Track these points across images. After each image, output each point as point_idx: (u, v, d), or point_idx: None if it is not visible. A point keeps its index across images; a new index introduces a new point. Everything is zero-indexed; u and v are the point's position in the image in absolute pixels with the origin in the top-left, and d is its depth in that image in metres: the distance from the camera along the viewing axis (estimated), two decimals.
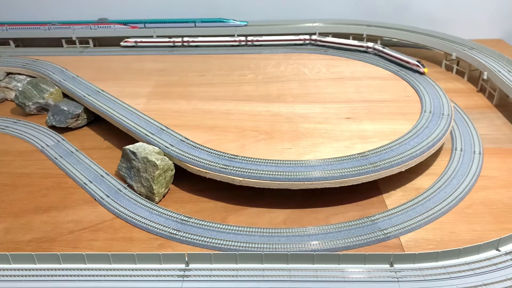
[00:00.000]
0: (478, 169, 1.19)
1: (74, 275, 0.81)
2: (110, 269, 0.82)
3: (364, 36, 1.93)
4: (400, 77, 1.53)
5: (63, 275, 0.82)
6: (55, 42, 2.02)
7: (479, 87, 1.64)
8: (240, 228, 1.03)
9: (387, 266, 0.82)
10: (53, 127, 1.46)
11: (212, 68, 1.65)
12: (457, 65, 1.75)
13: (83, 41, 2.02)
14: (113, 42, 1.99)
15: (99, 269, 0.82)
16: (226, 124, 1.29)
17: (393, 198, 1.13)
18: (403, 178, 1.18)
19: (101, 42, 2.05)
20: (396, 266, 0.82)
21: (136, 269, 0.82)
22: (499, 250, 0.87)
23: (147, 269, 0.82)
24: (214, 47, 1.86)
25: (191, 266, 0.83)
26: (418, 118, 1.28)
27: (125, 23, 2.01)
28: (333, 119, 1.29)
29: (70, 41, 2.02)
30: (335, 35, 1.96)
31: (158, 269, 0.82)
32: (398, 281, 0.79)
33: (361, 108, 1.34)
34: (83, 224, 1.07)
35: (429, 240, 0.99)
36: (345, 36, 1.96)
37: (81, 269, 0.83)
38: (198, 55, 1.80)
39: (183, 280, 0.80)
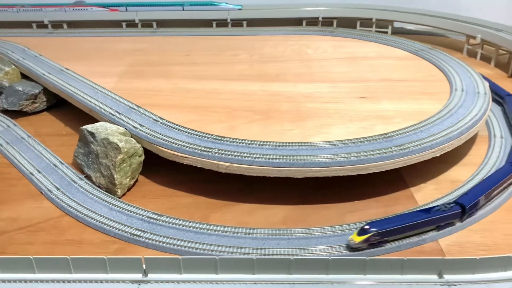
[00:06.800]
0: None
1: None
2: (32, 281, 0.56)
3: (374, 20, 1.71)
4: (420, 56, 1.29)
5: None
6: (25, 26, 1.78)
7: (511, 72, 1.41)
8: (225, 229, 0.78)
9: (435, 277, 0.57)
10: (5, 111, 1.22)
11: (198, 49, 1.42)
12: (482, 49, 1.53)
13: (57, 25, 1.78)
14: (90, 26, 1.76)
15: (15, 281, 0.56)
16: (212, 104, 1.04)
17: (424, 192, 0.89)
18: (434, 169, 0.94)
19: (76, 27, 1.82)
20: (447, 277, 0.57)
21: (70, 281, 0.56)
22: None
23: (87, 281, 0.57)
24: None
25: (151, 276, 0.58)
26: (448, 97, 1.04)
27: (104, 5, 1.78)
28: (345, 98, 1.05)
29: (41, 25, 1.78)
30: (341, 19, 1.74)
31: (103, 281, 0.57)
32: None
33: (378, 87, 1.10)
34: (20, 223, 0.82)
35: (477, 244, 0.76)
36: (352, 21, 1.74)
37: None
38: (183, 36, 1.56)
39: None
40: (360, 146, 0.84)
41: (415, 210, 0.79)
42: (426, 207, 0.79)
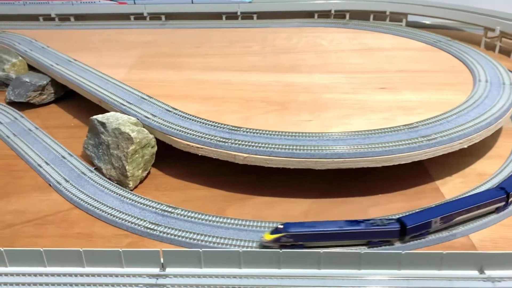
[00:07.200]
0: None
1: None
2: (42, 274, 0.52)
3: (387, 13, 1.66)
4: (439, 48, 1.25)
5: None
6: (32, 20, 1.74)
7: None
8: (243, 222, 0.74)
9: (476, 272, 0.53)
10: (12, 103, 1.18)
11: (209, 41, 1.38)
12: (500, 42, 1.48)
13: (64, 18, 1.75)
14: (98, 19, 1.72)
15: (25, 274, 0.53)
16: (225, 94, 1.01)
17: (450, 186, 0.85)
18: (459, 162, 0.91)
19: (84, 20, 1.78)
20: (489, 272, 0.53)
21: (82, 274, 0.53)
22: None
23: (100, 275, 0.53)
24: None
25: (169, 270, 0.54)
26: (472, 88, 1.00)
27: None
28: (364, 89, 1.01)
29: (48, 18, 1.75)
30: (353, 13, 1.70)
31: (118, 275, 0.53)
32: None
33: (397, 78, 1.06)
34: (27, 216, 0.78)
35: (511, 240, 0.70)
36: (365, 14, 1.69)
37: None
38: (193, 28, 1.53)
39: None
40: (385, 136, 0.80)
41: (346, 220, 0.69)
42: (361, 219, 0.69)
